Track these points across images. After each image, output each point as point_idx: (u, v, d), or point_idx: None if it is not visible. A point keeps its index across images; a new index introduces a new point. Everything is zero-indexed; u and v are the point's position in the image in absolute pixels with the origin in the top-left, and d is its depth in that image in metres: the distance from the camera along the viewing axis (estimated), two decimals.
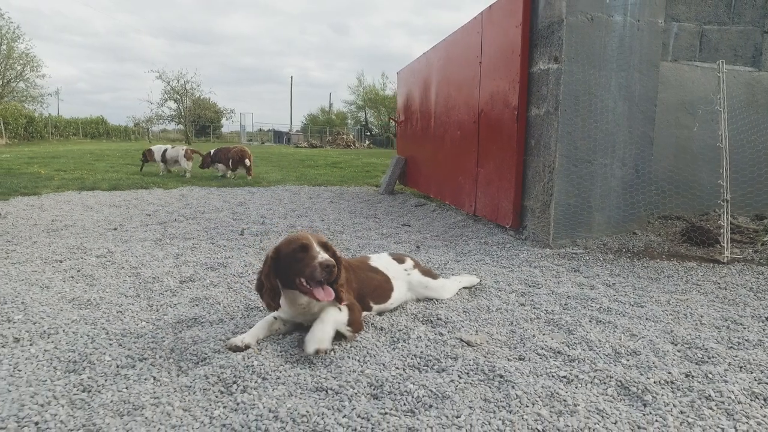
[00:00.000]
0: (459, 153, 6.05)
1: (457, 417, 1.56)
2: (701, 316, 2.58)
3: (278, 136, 44.79)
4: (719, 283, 3.21)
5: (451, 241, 4.66)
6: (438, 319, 2.49)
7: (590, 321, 2.50)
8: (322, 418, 1.54)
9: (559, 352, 2.09)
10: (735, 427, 1.54)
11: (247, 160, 10.05)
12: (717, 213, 4.54)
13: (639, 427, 1.54)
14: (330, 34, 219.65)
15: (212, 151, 10.58)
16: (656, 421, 1.58)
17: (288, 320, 2.25)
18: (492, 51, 5.04)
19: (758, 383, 1.83)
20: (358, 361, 2.00)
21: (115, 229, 4.77)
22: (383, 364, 1.96)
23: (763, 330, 2.41)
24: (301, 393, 1.72)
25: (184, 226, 4.97)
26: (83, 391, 1.71)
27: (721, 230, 3.76)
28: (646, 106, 4.33)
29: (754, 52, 4.83)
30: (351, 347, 2.13)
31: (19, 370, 1.86)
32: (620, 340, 2.25)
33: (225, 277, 3.15)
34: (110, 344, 2.10)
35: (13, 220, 5.07)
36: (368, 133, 46.12)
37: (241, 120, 48.52)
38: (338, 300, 2.11)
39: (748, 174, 4.66)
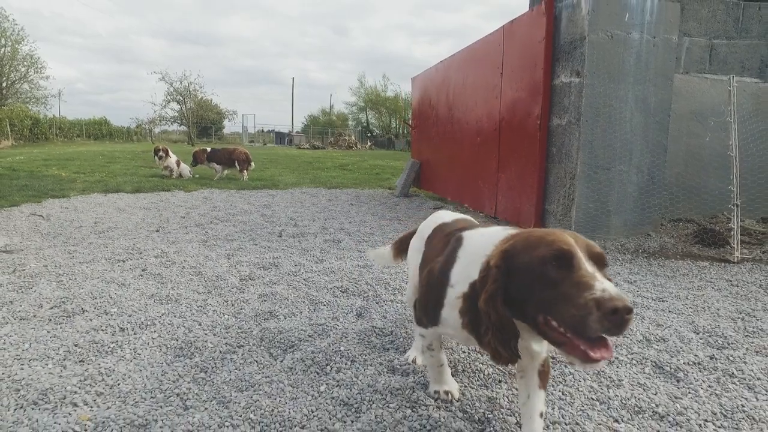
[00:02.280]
0: (479, 158, 6.35)
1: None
2: (718, 309, 2.90)
3: (280, 137, 45.10)
4: (731, 281, 3.53)
5: None
6: None
7: None
8: (413, 392, 1.84)
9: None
10: (756, 398, 1.85)
11: (253, 163, 10.62)
12: (725, 216, 4.86)
13: (676, 398, 1.85)
14: (330, 35, 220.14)
15: (209, 150, 10.96)
16: (690, 393, 1.89)
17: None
18: (514, 63, 5.35)
19: None
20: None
21: (156, 231, 5.06)
22: (451, 348, 2.26)
23: None
24: (387, 373, 2.02)
25: (222, 228, 5.26)
26: (201, 371, 2.01)
27: (731, 232, 4.08)
28: (661, 117, 4.64)
29: (761, 65, 5.15)
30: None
31: (139, 354, 2.16)
32: (648, 329, 2.56)
33: (281, 276, 3.45)
34: (206, 334, 2.40)
35: (57, 222, 5.35)
36: (369, 135, 46.44)
37: (243, 121, 48.86)
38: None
39: (754, 179, 4.98)
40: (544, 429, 1.47)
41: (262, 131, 50.97)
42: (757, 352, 2.29)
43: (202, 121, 46.13)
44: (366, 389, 1.86)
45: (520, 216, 5.24)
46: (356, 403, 1.78)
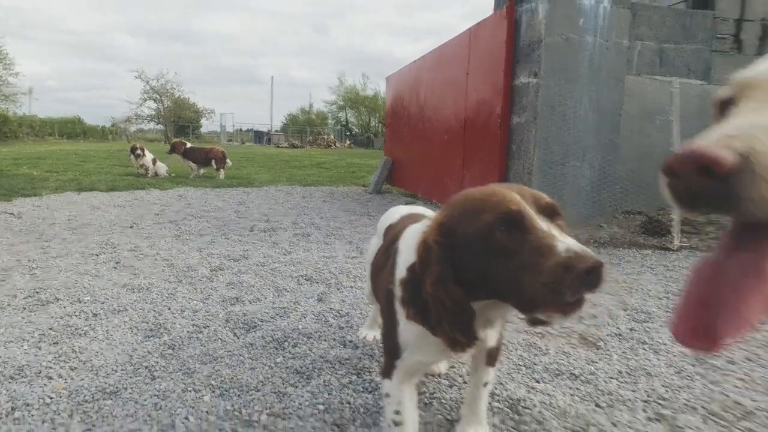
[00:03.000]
0: (446, 155, 6.60)
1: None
2: (649, 291, 3.18)
3: (258, 137, 44.90)
4: (668, 266, 3.83)
5: None
6: None
7: None
8: (360, 361, 2.06)
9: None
10: (657, 359, 2.12)
11: (230, 161, 10.89)
12: (671, 208, 5.18)
13: (592, 362, 2.11)
14: (310, 34, 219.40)
15: (187, 146, 11.09)
16: (604, 358, 2.15)
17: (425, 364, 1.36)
18: (478, 64, 5.61)
19: None
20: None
21: (131, 227, 5.18)
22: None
23: None
24: (339, 347, 2.23)
25: (195, 223, 5.40)
26: (168, 348, 2.19)
27: (672, 222, 4.39)
28: (613, 116, 4.94)
29: (705, 68, 5.50)
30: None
31: (111, 335, 2.32)
32: (583, 308, 2.82)
33: (249, 266, 3.63)
34: (174, 317, 2.58)
35: (29, 219, 5.42)
36: (349, 133, 46.59)
37: (221, 120, 48.51)
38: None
39: None
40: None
41: (241, 130, 50.66)
42: None
43: (180, 120, 45.69)
44: (318, 360, 2.07)
45: None
46: (308, 371, 1.98)
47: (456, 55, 6.21)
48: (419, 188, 7.95)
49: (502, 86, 5.04)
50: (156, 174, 10.70)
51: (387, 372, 1.31)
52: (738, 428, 1.64)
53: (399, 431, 1.28)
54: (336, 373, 1.96)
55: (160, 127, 44.72)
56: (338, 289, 3.12)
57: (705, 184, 0.57)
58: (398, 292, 1.17)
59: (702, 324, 0.63)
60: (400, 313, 1.20)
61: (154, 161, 10.80)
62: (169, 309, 2.68)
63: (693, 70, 5.49)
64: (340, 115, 51.09)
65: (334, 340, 2.30)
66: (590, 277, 0.90)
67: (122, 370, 1.98)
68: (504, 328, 1.49)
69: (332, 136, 38.15)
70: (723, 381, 1.97)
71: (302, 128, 47.26)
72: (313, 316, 2.60)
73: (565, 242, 0.94)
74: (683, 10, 5.43)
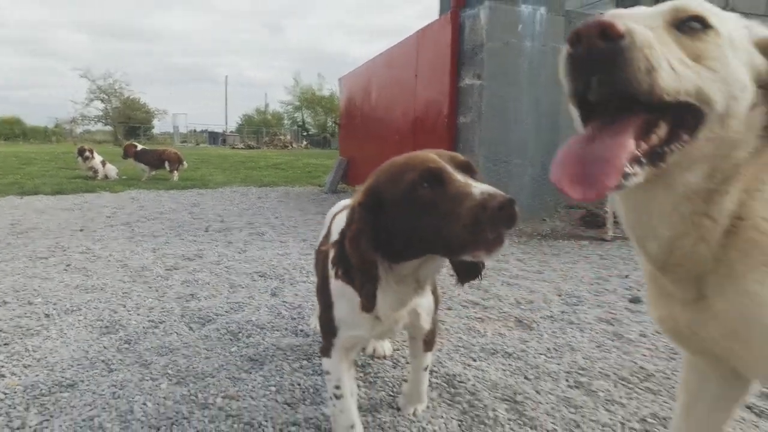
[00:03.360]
0: (398, 154, 6.78)
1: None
2: (582, 278, 3.46)
3: (213, 138, 44.08)
4: (602, 255, 4.15)
5: None
6: None
7: (502, 284, 3.30)
8: (311, 347, 2.20)
9: (476, 304, 2.86)
10: (582, 336, 2.36)
11: (185, 162, 10.84)
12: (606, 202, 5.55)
13: (524, 341, 2.32)
14: (265, 33, 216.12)
15: (138, 149, 10.92)
16: (536, 337, 2.37)
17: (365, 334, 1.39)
18: (426, 66, 5.83)
19: (604, 312, 2.69)
20: None
21: (81, 230, 5.10)
22: None
23: (620, 282, 3.32)
24: (291, 336, 2.36)
25: (149, 225, 5.37)
26: (125, 343, 2.26)
27: (607, 215, 4.74)
28: (552, 116, 5.25)
29: None
30: None
31: (65, 333, 2.36)
32: (521, 294, 3.05)
33: (204, 265, 3.69)
34: (130, 314, 2.63)
35: None
36: (305, 134, 46.31)
37: (174, 121, 47.25)
38: (471, 274, 1.36)
39: None
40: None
41: (195, 131, 49.52)
42: (597, 306, 2.84)
43: (130, 121, 44.22)
44: (270, 348, 2.20)
45: None
46: (261, 358, 2.10)
47: (405, 57, 6.41)
48: None
49: (448, 88, 5.28)
50: (106, 177, 10.43)
51: (326, 351, 1.42)
52: (640, 389, 1.89)
53: (340, 403, 1.40)
54: (287, 359, 2.09)
55: (109, 128, 43.10)
56: (291, 284, 3.24)
57: (601, 46, 0.73)
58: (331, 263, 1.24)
59: (583, 174, 0.78)
60: (334, 293, 1.35)
61: (103, 163, 10.54)
62: (124, 307, 2.73)
63: None
64: (296, 115, 50.81)
65: (286, 329, 2.43)
66: (503, 212, 1.00)
67: (78, 365, 2.04)
68: (437, 313, 1.57)
69: (289, 137, 37.90)
70: (634, 351, 2.23)
71: (258, 129, 46.68)
72: (266, 309, 2.72)
73: (479, 188, 1.05)
74: None
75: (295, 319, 2.60)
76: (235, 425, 1.60)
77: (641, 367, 2.05)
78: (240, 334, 2.37)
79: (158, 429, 1.58)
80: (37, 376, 1.94)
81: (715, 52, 0.83)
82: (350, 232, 1.14)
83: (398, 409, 1.72)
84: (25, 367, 2.03)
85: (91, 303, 2.80)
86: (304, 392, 1.83)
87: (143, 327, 2.45)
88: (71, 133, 42.57)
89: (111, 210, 6.48)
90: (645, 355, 2.18)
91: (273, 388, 1.84)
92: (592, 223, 5.06)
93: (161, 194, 8.36)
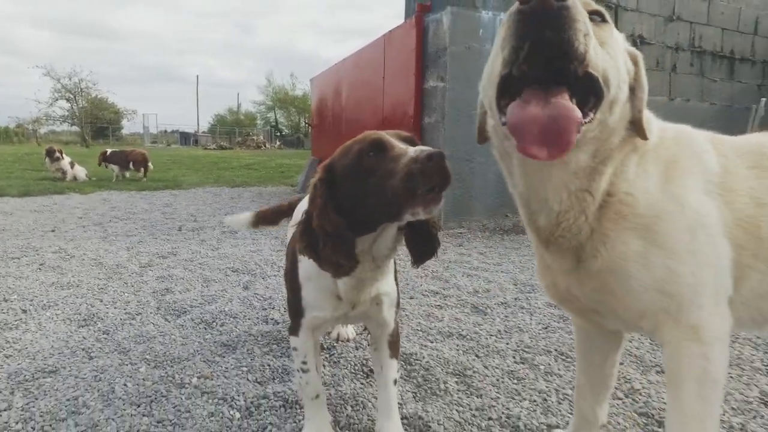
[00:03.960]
0: None
1: None
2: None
3: (185, 138, 43.46)
4: None
5: None
6: None
7: (463, 275, 3.52)
8: (280, 333, 2.37)
9: (436, 293, 3.07)
10: (531, 319, 2.59)
11: (151, 164, 10.74)
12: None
13: (478, 324, 2.54)
14: (236, 32, 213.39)
15: (108, 152, 10.96)
16: (489, 321, 2.59)
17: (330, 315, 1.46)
18: (393, 68, 6.03)
19: None
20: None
21: (52, 230, 5.13)
22: None
23: None
24: (262, 324, 2.53)
25: (122, 225, 5.43)
26: (103, 334, 2.39)
27: None
28: None
29: None
30: None
31: (44, 326, 2.47)
32: (479, 284, 3.28)
33: (178, 262, 3.81)
34: (107, 308, 2.75)
35: None
36: (278, 134, 46.08)
37: (144, 121, 46.40)
38: (426, 254, 1.39)
39: None
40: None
41: (166, 132, 48.73)
42: None
43: (98, 121, 43.24)
44: (242, 334, 2.36)
45: None
46: (234, 343, 2.27)
47: (373, 59, 6.60)
48: None
49: (413, 89, 5.48)
50: (75, 178, 10.33)
51: (294, 330, 1.52)
52: (573, 365, 2.11)
53: (306, 376, 1.53)
54: (258, 344, 2.26)
55: (75, 128, 42.07)
56: (263, 278, 3.39)
57: (553, 4, 0.82)
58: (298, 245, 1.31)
59: (549, 137, 0.86)
60: (302, 277, 1.45)
61: (72, 164, 10.43)
62: (101, 301, 2.85)
63: None
64: (269, 115, 50.49)
65: (257, 318, 2.59)
66: (433, 163, 1.09)
67: (59, 353, 2.16)
68: (399, 312, 1.62)
69: (262, 137, 37.66)
70: (559, 331, 2.46)
71: (230, 129, 46.25)
72: (238, 301, 2.87)
73: (415, 148, 1.16)
74: None
75: (265, 309, 2.76)
76: (210, 401, 1.76)
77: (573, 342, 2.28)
78: (214, 323, 2.52)
79: (138, 406, 1.73)
80: (19, 364, 2.06)
81: (612, 43, 0.98)
82: (317, 205, 1.23)
83: (362, 383, 1.90)
84: (7, 357, 2.14)
85: (67, 299, 2.90)
86: (273, 372, 2.00)
87: (120, 319, 2.58)
88: (35, 134, 41.36)
89: (82, 211, 6.48)
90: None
91: (245, 369, 2.01)
92: None
93: (133, 195, 8.36)
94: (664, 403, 1.78)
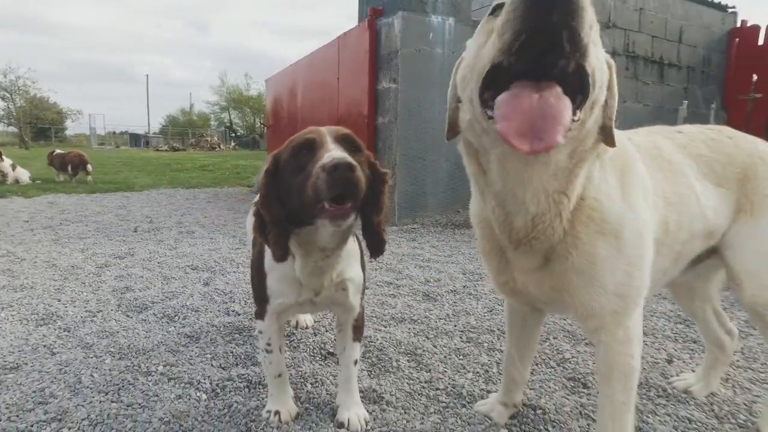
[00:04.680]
0: None
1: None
2: None
3: (135, 140, 42.06)
4: None
5: None
6: None
7: (415, 266, 3.71)
8: (242, 323, 2.48)
9: (390, 283, 3.25)
10: (478, 304, 2.81)
11: (89, 165, 10.42)
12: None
13: (429, 310, 2.73)
14: (188, 30, 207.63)
15: (54, 152, 10.73)
16: (438, 307, 2.79)
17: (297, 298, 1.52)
18: (347, 70, 6.17)
19: None
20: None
21: None
22: None
23: None
24: (224, 315, 2.63)
25: (74, 228, 5.34)
26: (64, 331, 2.43)
27: None
28: None
29: None
30: None
31: (0, 327, 2.49)
32: (431, 274, 3.48)
33: (136, 262, 3.83)
34: (65, 307, 2.77)
35: None
36: (233, 135, 45.30)
37: (90, 122, 44.56)
38: (375, 251, 1.46)
39: None
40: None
41: (114, 133, 46.98)
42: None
43: (38, 122, 41.20)
44: (205, 326, 2.46)
45: None
46: (197, 334, 2.36)
47: (327, 60, 6.72)
48: None
49: (367, 91, 5.65)
50: (17, 181, 9.93)
51: (260, 315, 1.60)
52: None
53: (270, 356, 1.62)
54: (221, 334, 2.37)
55: (13, 129, 39.95)
56: (222, 275, 3.47)
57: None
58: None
59: (533, 128, 0.85)
60: (267, 266, 1.52)
61: (13, 167, 10.02)
62: (59, 301, 2.86)
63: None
64: (223, 116, 49.55)
65: (219, 311, 2.69)
66: (337, 174, 1.13)
67: (19, 350, 2.19)
68: (364, 296, 1.67)
69: (216, 138, 36.93)
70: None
71: (183, 130, 45.08)
72: (199, 296, 2.95)
73: (333, 153, 1.19)
74: None
75: (226, 302, 2.86)
76: (177, 385, 1.87)
77: None
78: (176, 317, 2.60)
79: (106, 393, 1.81)
80: None
81: (599, 43, 0.96)
82: (262, 194, 1.33)
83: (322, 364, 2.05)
84: None
85: (22, 300, 2.90)
86: (236, 358, 2.12)
87: (81, 317, 2.62)
88: None
89: (28, 214, 6.29)
90: None
91: (209, 356, 2.12)
92: None
93: (83, 198, 8.14)
94: (590, 370, 2.02)
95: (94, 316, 2.63)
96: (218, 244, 4.49)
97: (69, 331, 2.42)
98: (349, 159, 1.17)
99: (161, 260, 3.86)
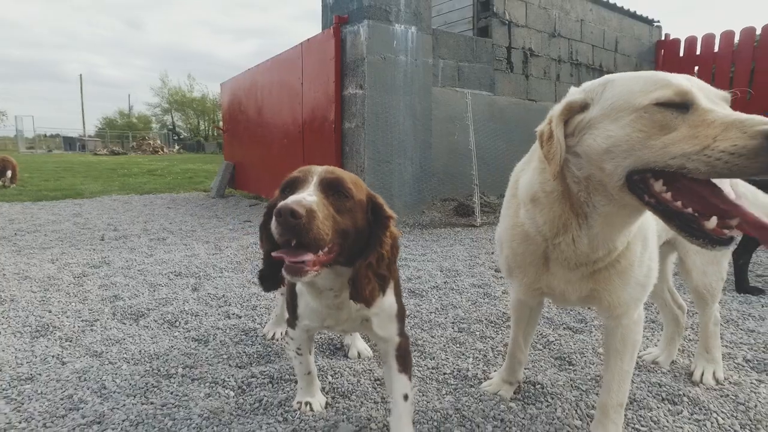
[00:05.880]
0: (287, 157, 7.17)
1: None
2: (458, 256, 4.20)
3: (69, 143, 39.76)
4: (473, 238, 4.97)
5: None
6: None
7: None
8: (246, 325, 2.59)
9: None
10: (461, 298, 3.04)
11: (9, 171, 10.02)
12: (473, 193, 6.50)
13: (418, 305, 2.94)
14: (123, 28, 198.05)
15: None
16: (426, 302, 3.00)
17: (312, 327, 1.58)
18: (312, 75, 6.29)
19: (477, 280, 3.43)
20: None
21: None
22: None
23: (487, 258, 4.12)
24: (225, 318, 2.72)
25: (32, 238, 5.15)
26: (66, 341, 2.45)
27: (475, 205, 5.62)
28: (425, 121, 6.03)
29: (490, 82, 6.95)
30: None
31: None
32: (411, 272, 3.69)
33: (115, 270, 3.80)
34: (59, 318, 2.76)
35: None
36: (177, 138, 43.86)
37: (17, 124, 41.75)
38: (364, 300, 1.31)
39: (493, 166, 6.73)
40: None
41: (45, 136, 44.22)
42: (471, 276, 3.57)
43: None
44: (210, 329, 2.55)
45: None
46: (204, 337, 2.45)
47: (290, 65, 6.81)
48: (262, 189, 8.39)
49: (334, 96, 5.80)
50: None
51: (291, 324, 1.65)
52: (503, 327, 2.59)
53: (300, 358, 1.72)
54: (228, 335, 2.47)
55: None
56: (208, 280, 3.53)
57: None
58: None
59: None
60: (298, 291, 1.55)
61: None
62: (50, 312, 2.85)
63: (482, 83, 6.90)
64: (165, 118, 47.87)
65: (219, 314, 2.78)
66: (280, 218, 1.10)
67: (28, 362, 2.21)
68: (402, 323, 1.59)
69: (159, 141, 35.65)
70: (498, 303, 2.96)
71: (123, 133, 43.12)
72: (193, 301, 3.02)
73: (292, 197, 1.16)
74: (471, 37, 6.81)
75: (222, 306, 2.94)
76: (202, 385, 1.97)
77: (504, 313, 2.77)
78: (177, 322, 2.67)
79: (135, 396, 1.89)
80: None
81: None
82: (260, 225, 1.39)
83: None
84: None
85: (6, 313, 2.85)
86: (250, 357, 2.24)
87: (78, 327, 2.63)
88: None
89: None
90: (506, 305, 2.91)
91: (224, 357, 2.23)
92: (463, 212, 5.93)
93: (29, 206, 7.78)
94: (572, 350, 2.29)
95: (92, 326, 2.65)
96: (194, 250, 4.50)
97: (72, 341, 2.44)
98: (302, 204, 1.11)
99: (141, 268, 3.85)
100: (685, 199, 1.05)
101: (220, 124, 10.37)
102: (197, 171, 15.17)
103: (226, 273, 3.71)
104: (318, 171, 1.29)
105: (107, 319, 2.75)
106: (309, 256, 1.15)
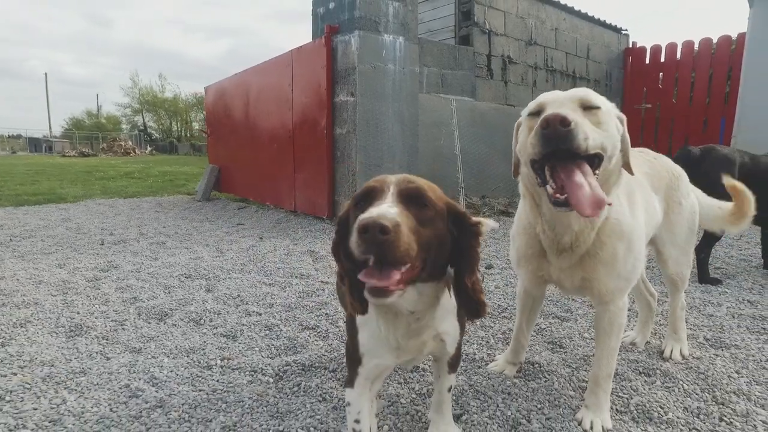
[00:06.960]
0: (277, 161, 7.38)
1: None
2: None
3: (34, 144, 38.74)
4: None
5: (284, 231, 6.00)
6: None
7: None
8: (269, 320, 2.84)
9: None
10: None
11: None
12: (459, 195, 6.84)
13: None
14: (86, 24, 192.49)
15: None
16: None
17: (385, 355, 1.38)
18: (302, 82, 6.52)
19: None
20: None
21: None
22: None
23: None
24: (246, 316, 2.96)
25: (31, 243, 5.24)
26: (103, 339, 2.65)
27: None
28: (412, 126, 6.33)
29: (472, 89, 7.31)
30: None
31: (36, 341, 2.64)
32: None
33: (126, 273, 3.98)
34: (89, 319, 2.95)
35: None
36: (149, 139, 43.15)
37: None
38: (472, 314, 1.34)
39: (476, 169, 7.09)
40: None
41: (9, 136, 42.90)
42: None
43: None
44: (236, 326, 2.79)
45: (315, 208, 6.47)
46: (232, 333, 2.69)
47: (280, 72, 7.02)
48: (251, 193, 8.56)
49: (325, 103, 6.05)
50: None
51: (350, 382, 1.42)
52: (500, 318, 2.91)
53: None
54: (254, 330, 2.72)
55: None
56: (219, 281, 3.75)
57: (562, 128, 1.32)
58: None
59: (596, 202, 1.33)
60: (359, 321, 1.37)
61: None
62: (78, 314, 3.03)
63: (464, 90, 7.26)
64: (136, 119, 46.95)
65: (239, 313, 3.02)
66: (366, 234, 1.00)
67: (75, 358, 2.41)
68: (461, 336, 1.56)
69: (130, 143, 35.06)
70: (493, 297, 3.28)
71: (91, 134, 42.16)
72: (212, 301, 3.25)
73: (377, 209, 1.06)
74: (453, 46, 7.16)
75: (239, 305, 3.18)
76: (242, 374, 2.22)
77: (499, 305, 3.10)
78: (202, 320, 2.90)
79: (184, 384, 2.13)
80: (42, 370, 2.29)
81: (605, 120, 1.45)
82: (333, 242, 1.25)
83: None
84: (21, 367, 2.33)
85: (35, 315, 3.03)
86: (278, 349, 2.49)
87: (110, 326, 2.83)
88: None
89: None
90: (501, 298, 3.23)
91: (256, 349, 2.48)
92: None
93: (12, 211, 7.76)
94: (562, 335, 2.62)
95: (122, 325, 2.85)
96: (198, 253, 4.69)
97: (108, 339, 2.65)
98: (386, 218, 1.03)
99: (150, 271, 4.04)
100: (558, 179, 1.42)
101: (195, 126, 10.45)
102: (176, 173, 15.14)
103: (233, 274, 3.93)
104: (394, 180, 1.19)
105: (134, 319, 2.95)
106: (397, 276, 1.07)
